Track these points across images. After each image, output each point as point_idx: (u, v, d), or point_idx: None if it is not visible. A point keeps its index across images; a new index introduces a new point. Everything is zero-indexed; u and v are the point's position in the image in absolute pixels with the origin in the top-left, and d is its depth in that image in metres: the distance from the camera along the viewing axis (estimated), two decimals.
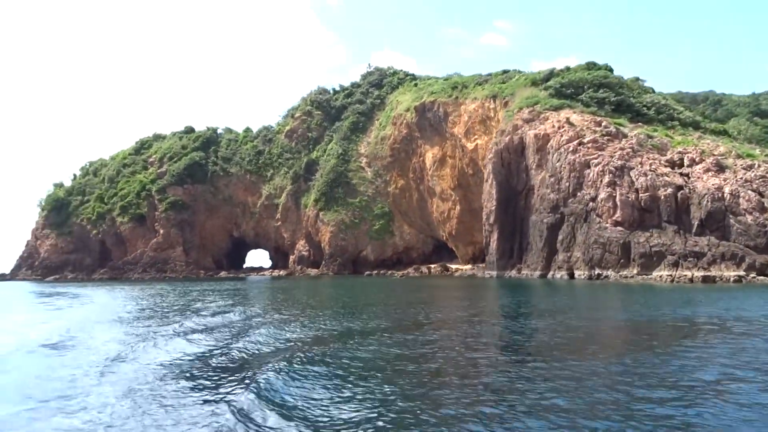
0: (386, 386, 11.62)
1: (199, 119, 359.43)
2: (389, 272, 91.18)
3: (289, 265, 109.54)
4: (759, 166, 50.81)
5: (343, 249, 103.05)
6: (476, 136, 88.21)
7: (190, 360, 15.49)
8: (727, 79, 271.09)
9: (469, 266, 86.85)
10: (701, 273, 42.54)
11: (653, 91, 74.89)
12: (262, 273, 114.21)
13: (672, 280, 42.96)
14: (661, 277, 44.26)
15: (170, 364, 14.98)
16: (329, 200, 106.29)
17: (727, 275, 41.56)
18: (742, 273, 41.46)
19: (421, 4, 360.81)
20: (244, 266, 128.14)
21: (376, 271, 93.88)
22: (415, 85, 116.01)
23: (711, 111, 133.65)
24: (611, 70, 76.86)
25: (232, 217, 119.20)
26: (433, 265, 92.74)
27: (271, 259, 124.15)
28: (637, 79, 77.18)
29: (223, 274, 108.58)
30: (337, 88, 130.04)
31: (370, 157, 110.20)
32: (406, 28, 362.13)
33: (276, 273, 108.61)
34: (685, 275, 42.87)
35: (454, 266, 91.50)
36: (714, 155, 53.68)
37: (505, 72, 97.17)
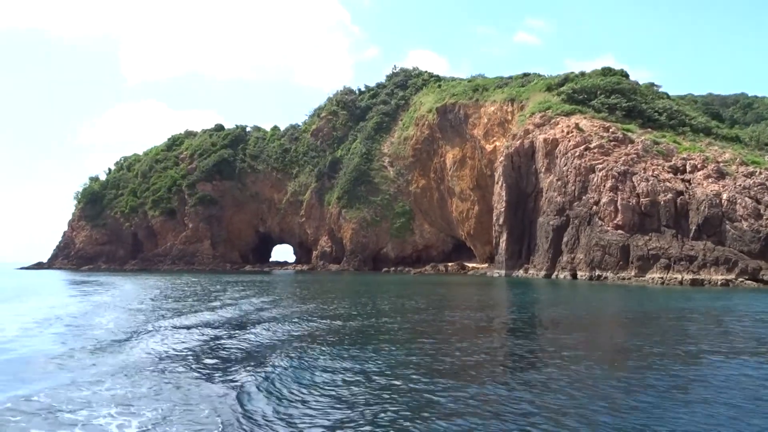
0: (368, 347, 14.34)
1: (231, 117, 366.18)
2: (406, 269, 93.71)
3: (312, 261, 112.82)
4: (760, 173, 52.11)
5: (364, 246, 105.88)
6: (494, 138, 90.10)
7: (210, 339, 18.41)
8: (761, 82, 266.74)
9: (485, 265, 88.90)
10: (690, 276, 44.33)
11: (667, 97, 76.05)
12: (285, 268, 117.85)
13: (663, 283, 44.80)
14: (653, 279, 46.13)
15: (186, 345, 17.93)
16: (352, 198, 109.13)
17: (715, 279, 43.28)
18: (729, 277, 43.13)
19: (454, 3, 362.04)
20: (270, 261, 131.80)
21: (393, 268, 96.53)
22: (439, 86, 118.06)
23: (741, 114, 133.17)
24: (626, 76, 78.20)
25: (258, 213, 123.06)
26: (450, 264, 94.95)
27: (295, 254, 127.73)
28: (652, 84, 78.49)
29: (248, 267, 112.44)
30: (363, 89, 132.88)
31: (392, 156, 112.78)
32: (439, 27, 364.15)
33: (299, 268, 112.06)
34: (676, 278, 44.70)
35: (471, 265, 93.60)
36: (718, 162, 55.06)
37: (525, 75, 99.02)
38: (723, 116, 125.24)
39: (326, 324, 21.37)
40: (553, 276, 56.77)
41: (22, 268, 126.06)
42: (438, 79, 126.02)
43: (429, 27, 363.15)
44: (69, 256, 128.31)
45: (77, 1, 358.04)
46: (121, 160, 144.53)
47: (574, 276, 54.43)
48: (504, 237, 66.13)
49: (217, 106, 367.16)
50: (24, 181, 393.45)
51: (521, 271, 62.69)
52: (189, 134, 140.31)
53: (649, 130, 64.42)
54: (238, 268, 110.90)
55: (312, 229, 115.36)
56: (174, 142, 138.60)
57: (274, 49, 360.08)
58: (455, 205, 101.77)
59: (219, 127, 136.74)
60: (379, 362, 13.70)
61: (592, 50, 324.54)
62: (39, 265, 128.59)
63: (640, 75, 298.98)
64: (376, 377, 12.17)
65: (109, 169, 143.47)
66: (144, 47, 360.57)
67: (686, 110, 72.81)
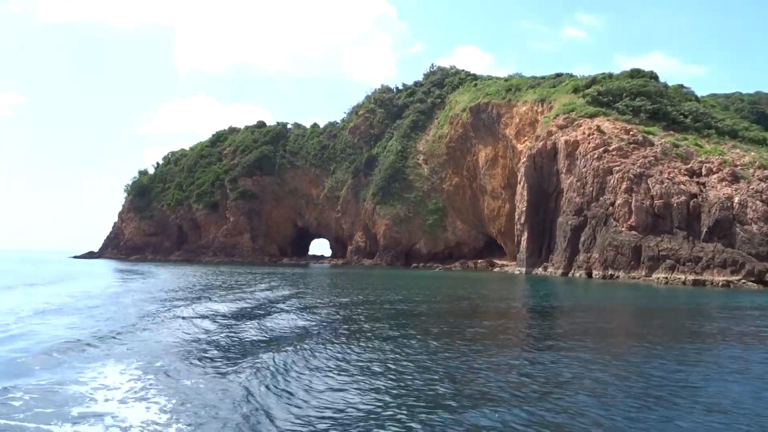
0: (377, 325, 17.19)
1: (277, 110, 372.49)
2: (435, 265, 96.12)
3: (347, 255, 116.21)
4: None
5: (397, 241, 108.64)
6: (525, 138, 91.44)
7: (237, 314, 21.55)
8: None
9: (514, 263, 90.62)
10: (692, 277, 45.69)
11: (696, 99, 76.28)
12: (321, 261, 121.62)
13: (666, 282, 46.27)
14: (658, 279, 47.61)
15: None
16: (386, 195, 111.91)
17: (717, 280, 44.58)
18: (734, 278, 44.36)
19: None
20: (307, 254, 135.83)
21: (422, 264, 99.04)
22: (475, 85, 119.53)
23: None
24: (656, 78, 78.67)
25: (296, 208, 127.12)
26: (479, 261, 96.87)
27: (331, 248, 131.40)
28: (681, 86, 78.70)
29: (285, 260, 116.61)
30: (401, 87, 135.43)
31: (427, 154, 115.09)
32: (484, 23, 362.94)
33: (334, 262, 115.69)
34: (679, 278, 46.10)
35: (500, 262, 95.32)
36: (735, 165, 55.82)
37: (558, 75, 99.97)
38: None
39: (326, 314, 24.30)
40: (570, 274, 58.48)
41: (74, 257, 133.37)
42: (475, 78, 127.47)
43: (474, 23, 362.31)
44: (118, 246, 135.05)
45: None
46: (168, 154, 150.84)
47: (590, 275, 56.07)
48: (525, 235, 68.04)
49: (264, 100, 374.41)
50: (85, 172, 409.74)
51: (540, 269, 64.55)
52: (232, 130, 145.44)
53: (672, 132, 65.19)
54: (275, 261, 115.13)
55: (347, 225, 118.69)
56: (218, 138, 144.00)
57: (321, 44, 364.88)
58: (487, 203, 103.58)
59: (261, 124, 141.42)
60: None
61: (641, 46, 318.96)
62: (90, 255, 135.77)
63: (690, 71, 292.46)
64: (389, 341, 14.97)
65: (158, 163, 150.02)
66: (195, 39, 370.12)
67: (714, 112, 72.99)
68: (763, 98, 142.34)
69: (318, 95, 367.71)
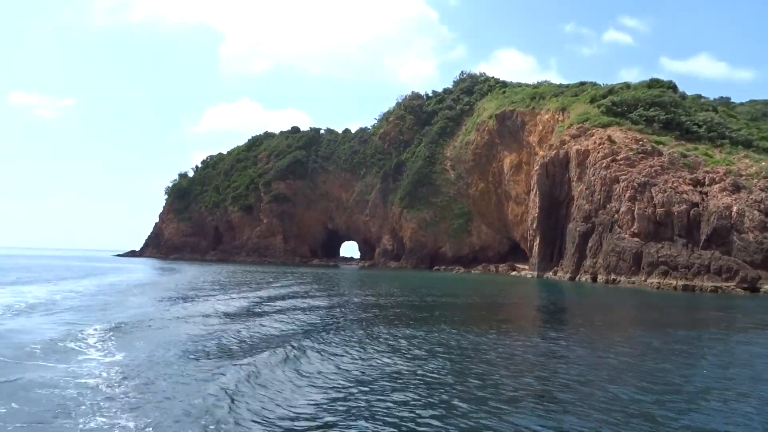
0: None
1: (318, 114, 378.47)
2: (456, 268, 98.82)
3: (375, 257, 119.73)
4: None
5: (423, 245, 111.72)
6: (547, 145, 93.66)
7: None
8: None
9: None
10: (683, 282, 47.72)
11: (713, 109, 77.37)
12: (350, 263, 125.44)
13: (658, 287, 48.38)
14: (651, 284, 49.72)
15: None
16: (413, 199, 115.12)
17: (705, 285, 46.54)
18: (721, 284, 46.27)
19: (542, 1, 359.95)
20: (337, 256, 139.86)
21: (444, 267, 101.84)
22: (503, 92, 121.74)
23: None
24: (674, 88, 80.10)
25: (327, 211, 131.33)
26: (501, 265, 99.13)
27: (360, 250, 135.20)
28: (699, 96, 79.97)
29: (315, 261, 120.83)
30: (431, 94, 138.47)
31: (454, 160, 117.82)
32: (526, 26, 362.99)
33: (362, 264, 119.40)
34: (671, 283, 48.18)
35: (521, 266, 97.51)
36: (741, 175, 57.36)
37: (582, 84, 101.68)
38: None
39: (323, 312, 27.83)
40: (577, 279, 60.73)
41: (117, 255, 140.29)
42: (504, 85, 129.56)
43: (516, 26, 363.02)
44: (158, 246, 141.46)
45: None
46: (207, 158, 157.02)
47: (595, 279, 58.28)
48: (537, 241, 70.47)
49: (306, 104, 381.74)
50: (136, 175, 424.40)
51: (551, 273, 66.89)
52: (268, 135, 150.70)
53: (683, 142, 66.78)
54: (306, 262, 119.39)
55: (375, 228, 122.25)
56: (254, 143, 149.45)
57: (363, 48, 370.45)
58: (511, 209, 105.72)
59: (295, 130, 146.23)
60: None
61: (688, 49, 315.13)
62: (132, 253, 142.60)
63: (739, 75, 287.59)
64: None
65: (197, 167, 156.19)
66: (239, 42, 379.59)
67: (730, 122, 74.08)
68: None
69: (359, 99, 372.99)
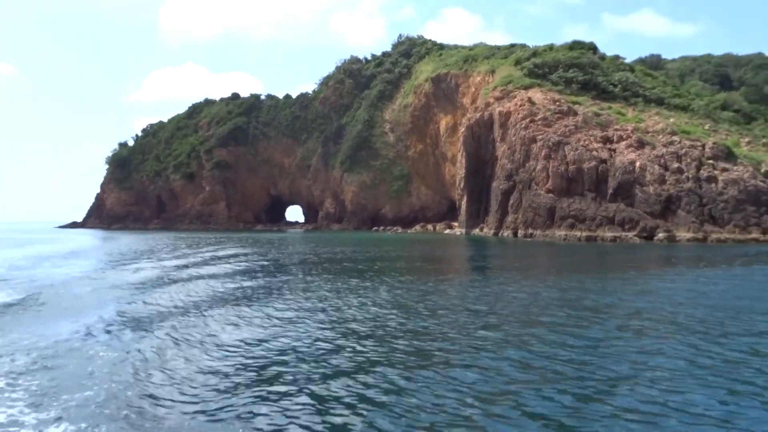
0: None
1: (268, 78, 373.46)
2: (394, 229, 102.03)
3: (318, 221, 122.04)
4: (679, 142, 58.37)
5: (364, 207, 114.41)
6: (473, 107, 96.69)
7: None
8: None
9: None
10: (586, 233, 51.76)
11: (630, 69, 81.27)
12: (294, 227, 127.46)
13: (565, 239, 52.31)
14: (560, 236, 53.67)
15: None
16: (353, 162, 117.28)
17: (606, 235, 50.69)
18: (620, 234, 50.52)
19: None
20: (282, 221, 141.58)
21: (383, 228, 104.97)
22: (440, 55, 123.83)
23: (752, 75, 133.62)
24: (594, 50, 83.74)
25: (270, 177, 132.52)
26: (438, 224, 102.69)
27: (304, 214, 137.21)
28: (617, 57, 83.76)
29: (259, 227, 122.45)
30: (369, 58, 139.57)
31: (393, 123, 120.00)
32: None
33: (306, 227, 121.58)
34: (575, 235, 52.18)
35: (457, 225, 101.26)
36: (647, 132, 61.40)
37: (512, 46, 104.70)
38: (731, 78, 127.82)
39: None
40: (500, 234, 64.30)
41: (59, 227, 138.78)
42: (441, 47, 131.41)
43: None
44: (101, 216, 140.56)
45: None
46: (147, 126, 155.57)
47: (516, 234, 61.86)
48: (465, 199, 73.82)
49: (253, 67, 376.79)
50: (75, 144, 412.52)
51: (477, 230, 70.44)
52: (208, 102, 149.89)
53: (598, 102, 70.51)
54: (250, 228, 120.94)
55: (318, 192, 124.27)
56: (194, 110, 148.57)
57: (309, 10, 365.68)
58: (448, 169, 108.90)
59: (235, 96, 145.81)
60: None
61: (631, 4, 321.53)
62: (73, 225, 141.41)
63: (682, 30, 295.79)
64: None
65: (137, 136, 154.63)
66: (182, 6, 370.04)
67: (644, 82, 78.08)
68: (732, 60, 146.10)
69: (308, 62, 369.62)
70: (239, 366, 9.25)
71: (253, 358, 9.79)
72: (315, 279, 21.87)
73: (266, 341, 10.97)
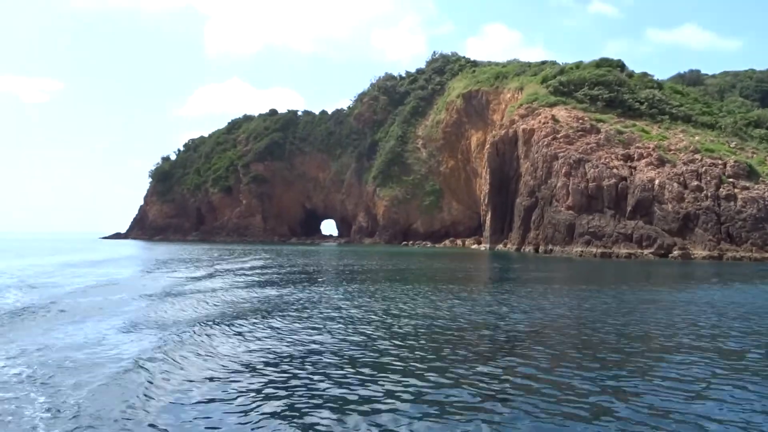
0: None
1: (309, 93, 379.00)
2: (423, 243, 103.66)
3: (351, 234, 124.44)
4: (701, 159, 58.78)
5: (395, 221, 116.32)
6: (498, 125, 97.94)
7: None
8: None
9: None
10: (601, 250, 52.58)
11: (658, 87, 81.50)
12: (327, 240, 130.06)
13: (581, 255, 53.22)
14: (576, 252, 54.54)
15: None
16: (386, 177, 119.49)
17: (621, 252, 51.44)
18: (634, 251, 51.18)
19: None
20: (316, 234, 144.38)
21: (412, 242, 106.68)
22: (473, 72, 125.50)
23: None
24: (622, 67, 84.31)
25: (305, 191, 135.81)
26: (467, 239, 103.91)
27: (337, 228, 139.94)
28: (645, 74, 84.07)
29: (293, 240, 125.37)
30: (404, 75, 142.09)
31: (425, 139, 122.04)
32: (512, 1, 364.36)
33: (338, 241, 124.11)
34: (591, 251, 53.02)
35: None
36: (670, 149, 61.94)
37: (543, 63, 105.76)
38: None
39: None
40: (522, 249, 65.39)
41: (103, 238, 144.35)
42: (474, 64, 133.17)
43: (502, 0, 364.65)
44: (143, 228, 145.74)
45: None
46: (189, 141, 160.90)
47: (537, 250, 62.92)
48: (489, 216, 75.15)
49: (295, 82, 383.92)
50: (124, 157, 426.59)
51: (501, 245, 71.61)
52: (247, 118, 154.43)
53: (623, 119, 71.17)
54: (284, 241, 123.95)
55: (351, 206, 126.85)
56: (233, 126, 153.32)
57: (351, 25, 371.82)
58: (479, 185, 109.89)
59: (273, 112, 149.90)
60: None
61: (674, 19, 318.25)
62: (117, 236, 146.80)
63: (726, 45, 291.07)
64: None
65: (179, 150, 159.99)
66: (225, 22, 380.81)
67: (672, 99, 78.25)
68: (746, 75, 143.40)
69: (349, 76, 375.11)
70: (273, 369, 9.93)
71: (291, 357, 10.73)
72: (353, 286, 23.83)
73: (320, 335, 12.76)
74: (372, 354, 11.05)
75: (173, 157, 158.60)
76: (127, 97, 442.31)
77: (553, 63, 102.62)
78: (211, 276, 30.05)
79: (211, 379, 9.23)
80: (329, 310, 16.93)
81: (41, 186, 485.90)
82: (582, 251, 54.20)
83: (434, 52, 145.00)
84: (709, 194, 54.14)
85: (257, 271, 34.16)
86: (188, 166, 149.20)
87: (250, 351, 11.31)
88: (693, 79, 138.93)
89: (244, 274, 31.14)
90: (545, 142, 66.29)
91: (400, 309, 17.25)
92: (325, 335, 13.03)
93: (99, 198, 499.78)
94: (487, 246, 74.93)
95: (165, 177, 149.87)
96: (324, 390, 8.59)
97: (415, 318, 15.49)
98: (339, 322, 14.72)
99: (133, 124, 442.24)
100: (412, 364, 10.24)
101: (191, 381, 9.15)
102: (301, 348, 11.58)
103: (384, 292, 22.06)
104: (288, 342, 12.21)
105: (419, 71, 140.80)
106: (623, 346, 12.03)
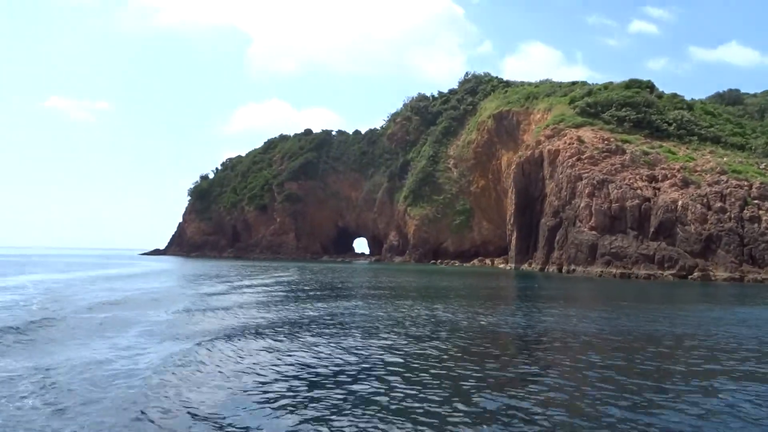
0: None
1: (348, 112, 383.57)
2: (452, 262, 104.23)
3: (382, 253, 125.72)
4: (727, 181, 58.48)
5: (426, 240, 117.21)
6: (524, 145, 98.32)
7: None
8: None
9: None
10: (620, 270, 52.65)
11: (688, 108, 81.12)
12: (359, 259, 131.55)
13: (600, 275, 53.38)
14: (596, 272, 54.70)
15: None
16: (417, 197, 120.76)
17: (640, 273, 51.42)
18: (654, 272, 51.09)
19: None
20: (348, 252, 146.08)
21: (440, 261, 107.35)
22: (505, 92, 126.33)
23: None
24: (651, 88, 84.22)
25: (337, 209, 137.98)
26: (496, 259, 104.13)
27: (369, 246, 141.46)
28: (675, 95, 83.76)
29: (325, 257, 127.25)
30: (437, 95, 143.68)
31: (456, 158, 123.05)
32: (550, 19, 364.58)
33: (369, 259, 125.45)
34: (611, 272, 53.13)
35: None
36: (696, 170, 61.75)
37: (573, 83, 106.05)
38: None
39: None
40: (546, 269, 65.70)
41: (142, 254, 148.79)
42: (506, 84, 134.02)
43: (541, 19, 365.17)
44: (181, 244, 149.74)
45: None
46: (226, 161, 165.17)
47: (560, 270, 63.20)
48: (514, 235, 75.57)
49: (333, 101, 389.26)
50: (167, 175, 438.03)
51: (526, 265, 71.94)
52: (282, 138, 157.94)
53: (649, 140, 71.15)
54: (317, 258, 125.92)
55: (383, 225, 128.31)
56: (269, 146, 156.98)
57: (390, 45, 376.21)
58: (509, 205, 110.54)
59: (307, 132, 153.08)
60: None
61: (717, 37, 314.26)
62: (156, 252, 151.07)
63: None
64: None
65: (217, 169, 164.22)
66: (267, 43, 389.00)
67: (702, 120, 77.86)
68: None
69: (387, 96, 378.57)
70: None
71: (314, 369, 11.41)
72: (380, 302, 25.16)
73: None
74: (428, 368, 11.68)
75: (211, 175, 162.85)
76: (171, 116, 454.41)
77: (583, 83, 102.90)
78: (241, 288, 31.65)
79: (243, 390, 9.64)
80: (364, 322, 18.19)
81: (88, 204, 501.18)
82: (602, 271, 54.39)
83: (467, 73, 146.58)
84: (733, 216, 53.85)
85: (288, 286, 35.70)
86: (225, 185, 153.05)
87: (287, 364, 11.71)
88: (732, 98, 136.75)
89: (278, 287, 32.68)
90: (570, 163, 66.74)
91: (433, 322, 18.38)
92: (367, 342, 14.33)
93: (145, 215, 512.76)
94: (513, 265, 75.32)
95: (203, 195, 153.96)
96: (355, 394, 9.43)
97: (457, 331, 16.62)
98: (374, 335, 15.91)
99: (178, 143, 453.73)
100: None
101: (215, 391, 9.53)
102: (352, 360, 12.34)
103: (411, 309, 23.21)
104: (329, 356, 12.76)
105: (452, 91, 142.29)
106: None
